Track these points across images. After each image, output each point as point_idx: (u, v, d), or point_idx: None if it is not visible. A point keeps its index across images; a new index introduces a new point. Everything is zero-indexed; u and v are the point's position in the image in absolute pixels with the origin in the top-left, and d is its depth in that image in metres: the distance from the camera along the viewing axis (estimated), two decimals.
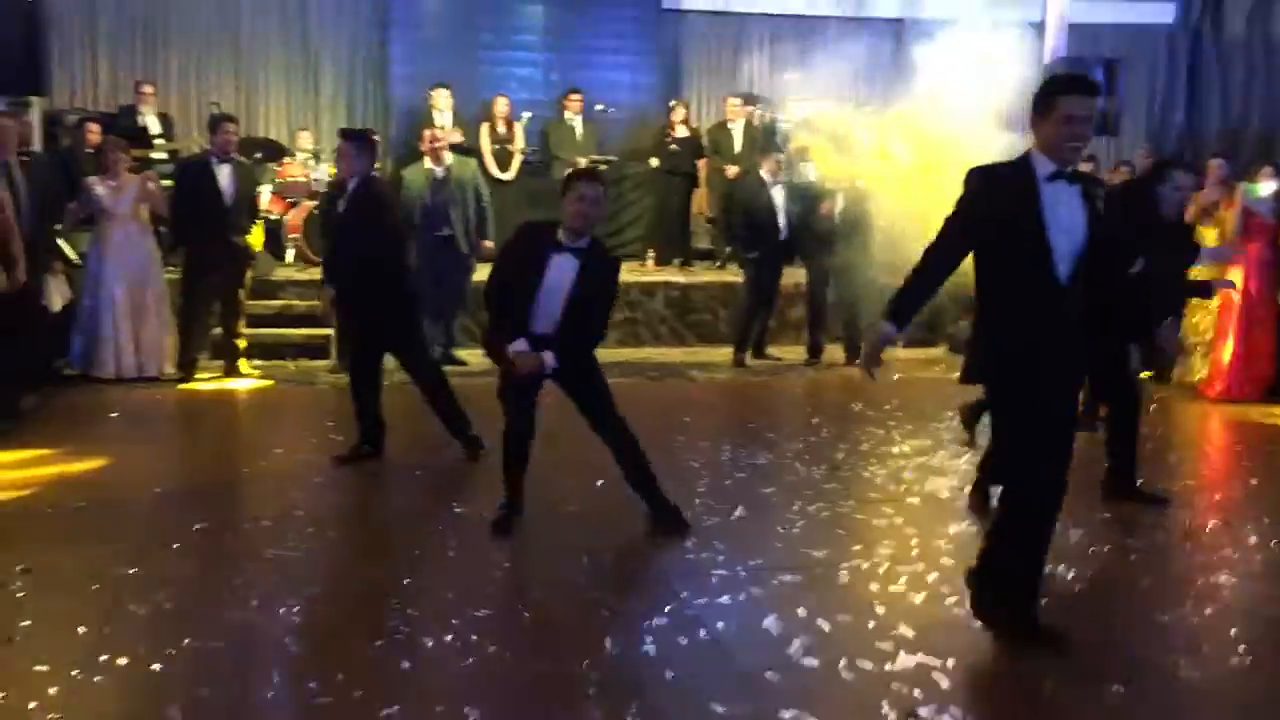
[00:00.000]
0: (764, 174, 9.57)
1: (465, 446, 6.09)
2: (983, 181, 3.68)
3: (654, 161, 11.14)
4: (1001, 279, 3.65)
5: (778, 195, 9.48)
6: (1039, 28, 11.02)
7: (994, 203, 3.61)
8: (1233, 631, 3.95)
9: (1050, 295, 3.58)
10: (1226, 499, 5.92)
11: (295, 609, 3.97)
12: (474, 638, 3.75)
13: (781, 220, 9.45)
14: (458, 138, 10.53)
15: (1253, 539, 4.98)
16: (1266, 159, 9.85)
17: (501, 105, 11.15)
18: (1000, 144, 10.50)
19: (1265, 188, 8.23)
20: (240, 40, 11.97)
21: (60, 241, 7.99)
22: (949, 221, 3.71)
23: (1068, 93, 3.55)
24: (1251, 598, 4.35)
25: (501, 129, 11.07)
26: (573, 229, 4.69)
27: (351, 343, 6.49)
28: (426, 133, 9.02)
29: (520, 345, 4.69)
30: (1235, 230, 8.14)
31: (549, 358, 4.70)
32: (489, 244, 8.89)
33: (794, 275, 9.84)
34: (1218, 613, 4.16)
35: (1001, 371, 3.68)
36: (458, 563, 4.52)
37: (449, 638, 3.73)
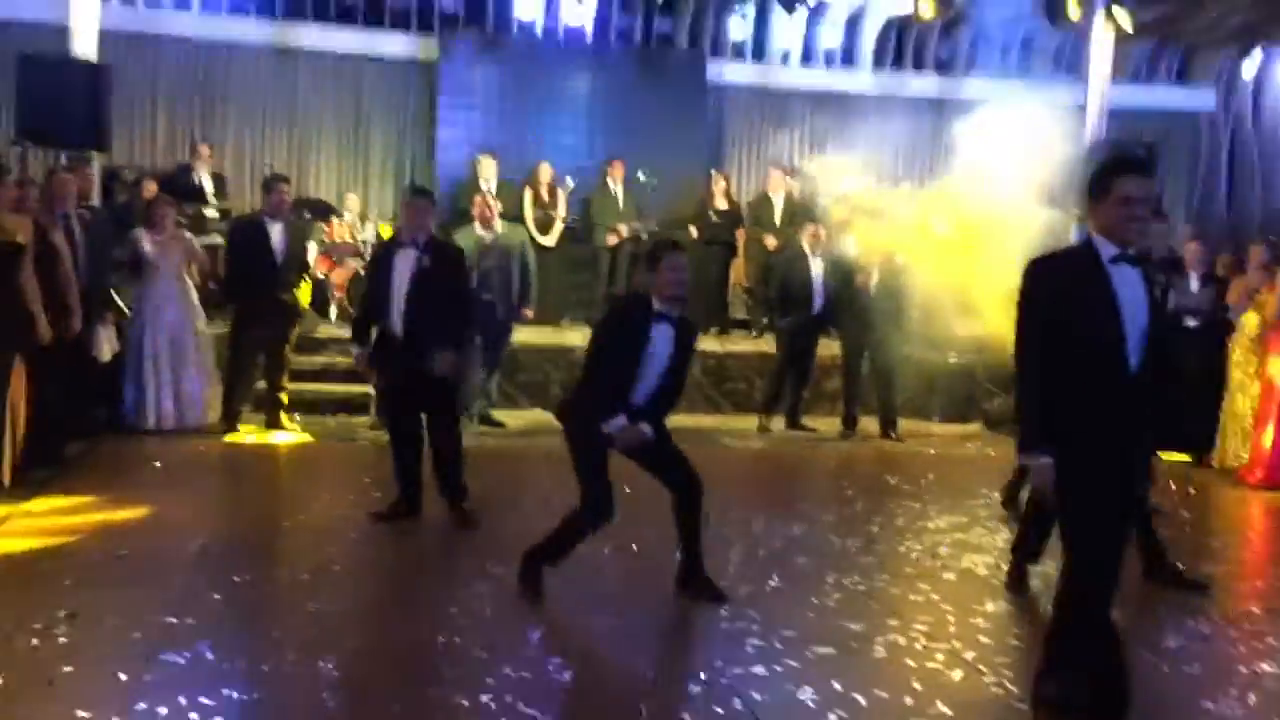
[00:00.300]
0: (804, 245, 9.66)
1: (458, 517, 6.00)
2: (1048, 268, 3.64)
3: (693, 231, 11.27)
4: (1070, 365, 3.54)
5: (816, 266, 9.56)
6: (1080, 110, 11.10)
7: (1064, 287, 3.56)
8: None
9: (1121, 381, 3.53)
10: (1268, 585, 5.84)
11: (332, 664, 3.99)
12: (508, 699, 3.75)
13: (818, 291, 9.52)
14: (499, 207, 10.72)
15: None
16: None
17: (545, 172, 11.35)
18: (1038, 221, 10.63)
19: None
20: (296, 103, 12.27)
21: (113, 293, 8.19)
22: (1024, 321, 3.63)
23: (1125, 173, 3.55)
24: None
25: (544, 195, 11.26)
26: (669, 298, 4.73)
27: (391, 401, 6.46)
28: (477, 198, 9.21)
29: (621, 421, 4.69)
30: (1277, 314, 8.11)
31: (647, 429, 4.73)
32: (529, 311, 9.01)
33: (830, 347, 9.88)
34: (1264, 702, 4.09)
35: (1076, 461, 3.55)
36: (492, 623, 4.53)
37: (485, 697, 3.74)
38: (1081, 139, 10.73)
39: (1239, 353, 8.53)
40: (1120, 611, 4.80)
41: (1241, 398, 8.51)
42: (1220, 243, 10.66)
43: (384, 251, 6.22)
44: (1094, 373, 3.54)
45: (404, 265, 5.88)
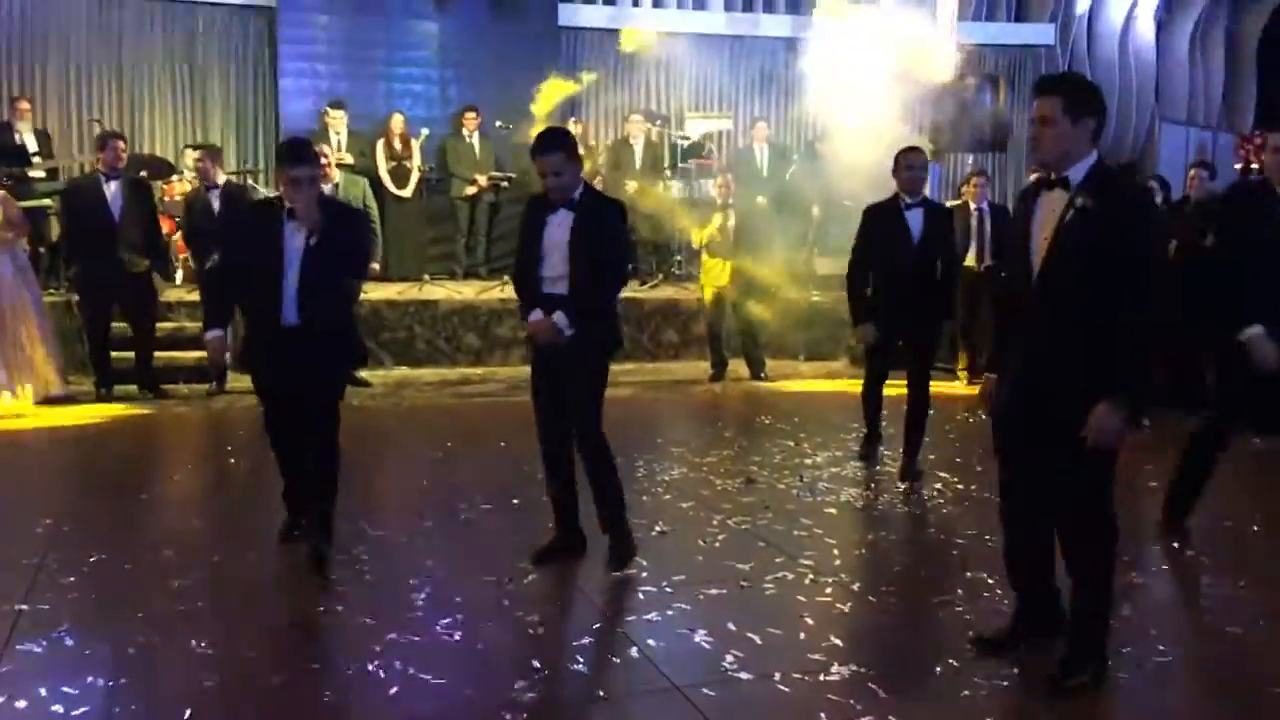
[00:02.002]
0: (714, 193, 9.73)
1: (307, 534, 4.70)
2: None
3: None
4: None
5: (731, 217, 9.48)
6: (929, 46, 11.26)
7: None
8: None
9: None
10: None
11: (205, 643, 3.77)
12: (398, 664, 3.62)
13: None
14: (349, 160, 10.33)
15: None
16: (1136, 171, 10.25)
17: (398, 122, 10.98)
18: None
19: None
20: (123, 55, 11.52)
21: None
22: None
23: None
24: None
25: (398, 146, 10.91)
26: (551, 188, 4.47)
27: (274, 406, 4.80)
28: (325, 148, 8.81)
29: (536, 314, 4.51)
30: None
31: (561, 321, 4.43)
32: (374, 265, 8.72)
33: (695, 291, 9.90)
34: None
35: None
36: (376, 588, 4.36)
37: (373, 665, 3.59)
38: (931, 71, 10.90)
39: None
40: None
41: None
42: None
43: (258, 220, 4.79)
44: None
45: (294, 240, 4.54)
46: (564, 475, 4.68)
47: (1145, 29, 13.71)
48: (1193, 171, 8.52)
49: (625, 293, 10.52)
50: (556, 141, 4.42)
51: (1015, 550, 3.79)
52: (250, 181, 10.51)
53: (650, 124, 11.48)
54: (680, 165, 11.43)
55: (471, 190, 11.15)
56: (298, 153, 4.48)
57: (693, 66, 12.34)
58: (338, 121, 10.61)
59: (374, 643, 3.78)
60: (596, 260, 4.43)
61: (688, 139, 11.66)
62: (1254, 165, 12.09)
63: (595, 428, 4.53)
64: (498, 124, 11.02)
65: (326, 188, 8.38)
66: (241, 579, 4.49)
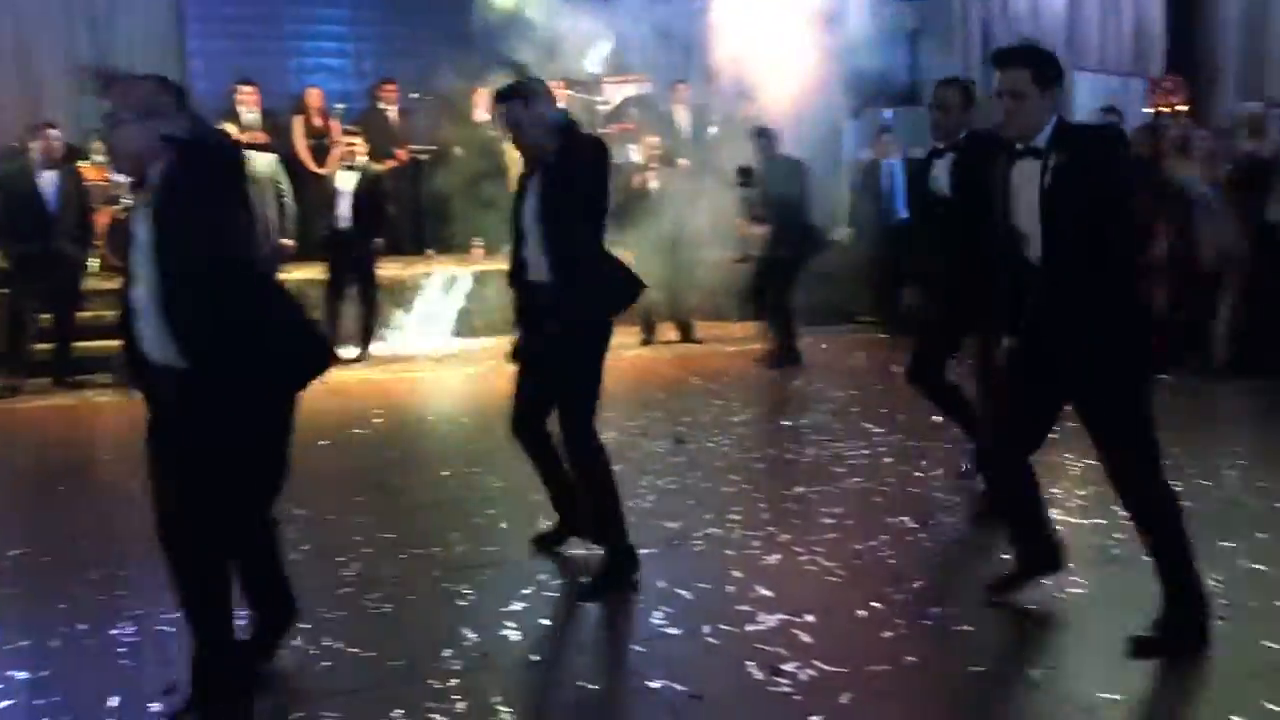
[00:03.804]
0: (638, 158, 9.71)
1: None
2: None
3: (457, 150, 11.01)
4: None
5: (654, 180, 9.48)
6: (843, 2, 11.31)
7: None
8: None
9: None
10: None
11: (131, 630, 3.74)
12: (326, 640, 3.61)
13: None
14: (261, 138, 10.14)
15: None
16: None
17: (315, 97, 10.78)
18: (814, 119, 10.85)
19: None
20: (21, 32, 11.13)
21: None
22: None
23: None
24: None
25: (317, 122, 10.72)
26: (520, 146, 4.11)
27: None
28: (231, 128, 8.67)
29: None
30: None
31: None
32: (288, 242, 8.62)
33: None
34: None
35: None
36: (302, 565, 4.32)
37: (298, 641, 3.57)
38: (844, 25, 10.94)
39: None
40: None
41: None
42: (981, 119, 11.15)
43: None
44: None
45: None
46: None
47: None
48: (1105, 117, 8.67)
49: None
50: (511, 90, 4.02)
51: (1008, 501, 3.81)
52: None
53: (569, 90, 11.40)
54: (601, 130, 11.37)
55: (391, 164, 11.00)
56: None
57: (610, 29, 12.25)
58: (248, 98, 10.39)
59: (302, 620, 3.76)
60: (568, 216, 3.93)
61: (607, 104, 11.61)
62: (1164, 110, 12.32)
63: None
64: (413, 95, 10.87)
65: None
66: (162, 566, 4.43)
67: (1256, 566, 4.10)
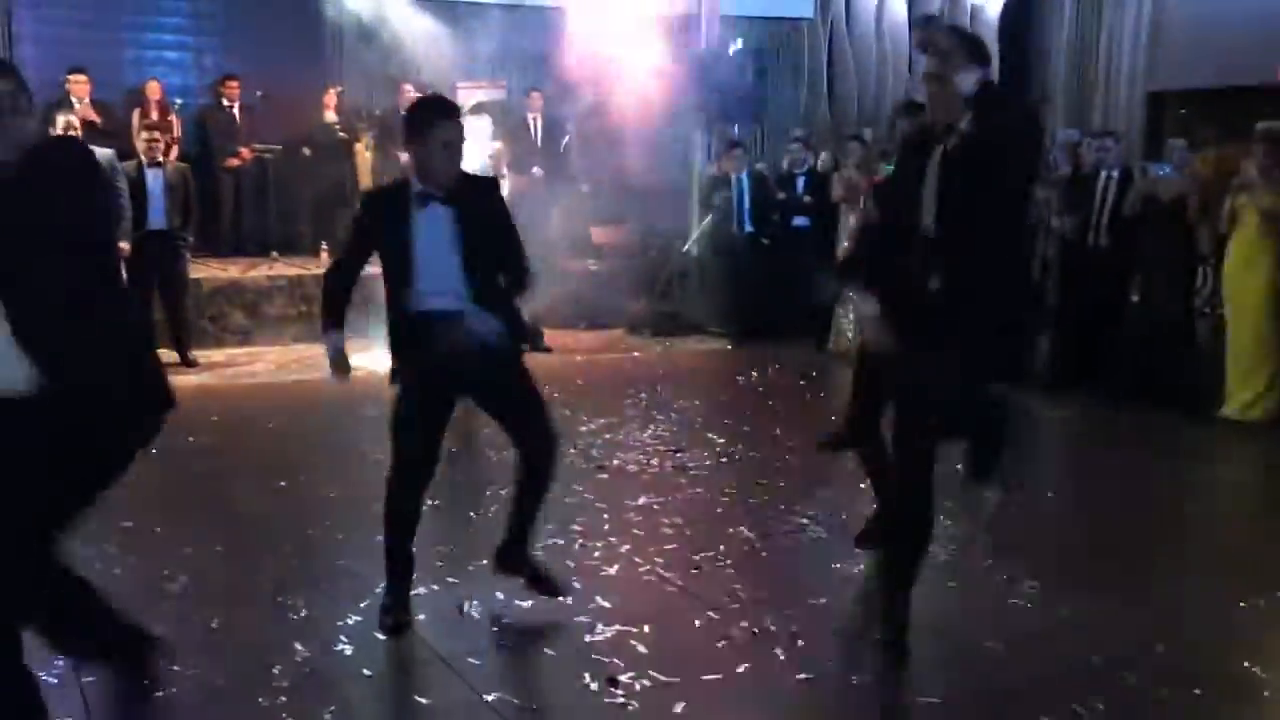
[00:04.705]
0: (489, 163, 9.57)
1: None
2: None
3: (305, 151, 10.80)
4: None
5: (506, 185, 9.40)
6: (692, 19, 11.51)
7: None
8: None
9: None
10: None
11: None
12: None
13: None
14: (93, 117, 9.71)
15: None
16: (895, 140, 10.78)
17: (154, 90, 10.37)
18: (665, 132, 11.00)
19: None
20: None
21: None
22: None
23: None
24: None
25: (154, 115, 10.31)
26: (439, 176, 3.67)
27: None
28: (61, 119, 8.27)
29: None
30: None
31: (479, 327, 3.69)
32: (123, 245, 8.26)
33: None
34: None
35: None
36: (127, 580, 4.17)
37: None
38: (696, 44, 11.13)
39: (846, 243, 9.27)
40: None
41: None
42: (823, 142, 11.49)
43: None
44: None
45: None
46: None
47: (898, 6, 14.36)
48: None
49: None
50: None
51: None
52: None
53: (420, 94, 11.28)
54: None
55: (235, 163, 10.69)
56: None
57: (462, 34, 12.16)
58: (79, 88, 9.92)
59: None
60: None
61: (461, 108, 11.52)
62: None
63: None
64: (258, 93, 10.59)
65: None
66: None
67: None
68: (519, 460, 3.92)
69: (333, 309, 3.87)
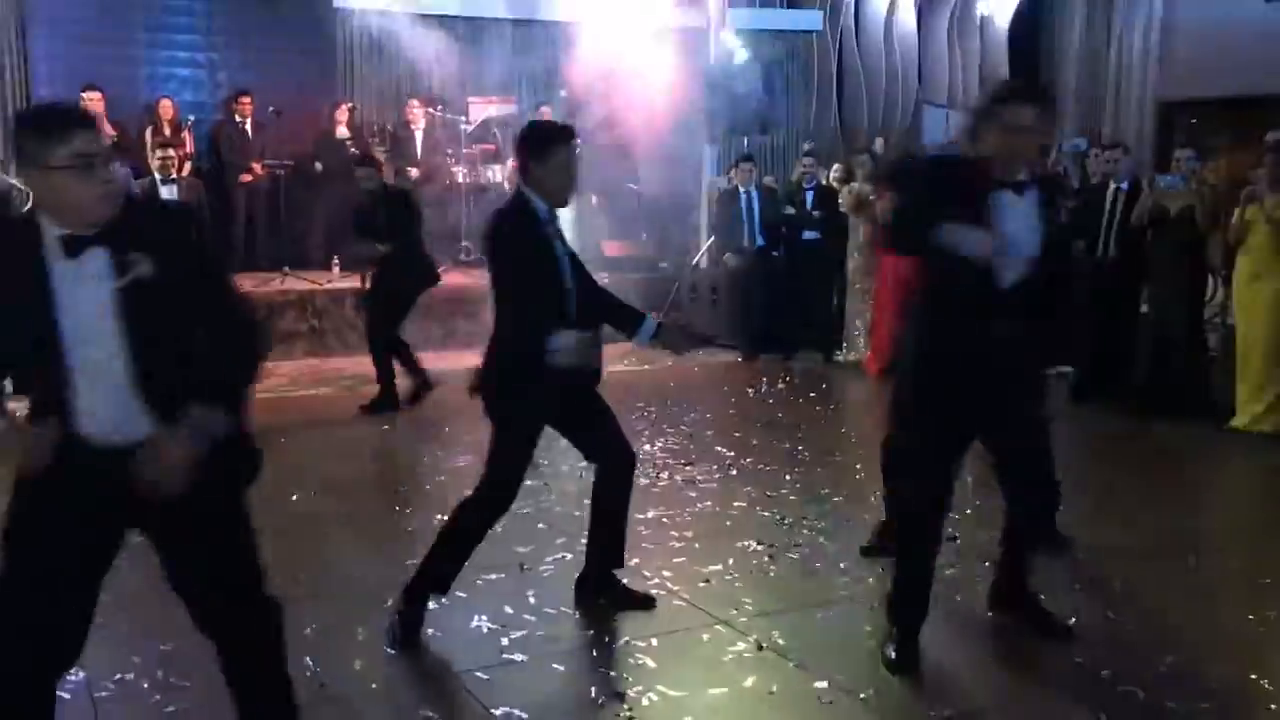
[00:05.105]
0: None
1: None
2: None
3: (317, 165, 10.88)
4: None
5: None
6: (700, 32, 11.58)
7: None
8: None
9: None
10: None
11: None
12: (159, 673, 3.52)
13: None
14: (108, 132, 9.79)
15: None
16: (906, 153, 10.80)
17: (167, 108, 10.48)
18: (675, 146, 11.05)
19: None
20: None
21: None
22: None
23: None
24: None
25: (167, 132, 10.41)
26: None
27: None
28: None
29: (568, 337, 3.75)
30: (883, 218, 8.86)
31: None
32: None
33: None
34: None
35: None
36: (138, 596, 4.19)
37: (129, 676, 3.47)
38: (705, 58, 11.19)
39: (856, 255, 9.30)
40: None
41: (859, 295, 9.32)
42: (834, 155, 11.50)
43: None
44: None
45: None
46: None
47: (907, 17, 14.41)
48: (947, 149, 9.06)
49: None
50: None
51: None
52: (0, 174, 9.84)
53: (430, 109, 11.36)
54: (464, 151, 11.36)
55: (248, 178, 10.77)
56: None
57: (473, 50, 12.24)
58: (93, 105, 10.02)
59: (134, 653, 3.65)
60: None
61: (470, 124, 11.59)
62: None
63: None
64: (271, 109, 10.68)
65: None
66: None
67: None
68: (600, 479, 4.02)
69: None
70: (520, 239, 3.77)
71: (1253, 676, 3.58)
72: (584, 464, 6.05)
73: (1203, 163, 7.84)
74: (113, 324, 2.39)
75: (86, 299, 2.39)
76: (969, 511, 4.97)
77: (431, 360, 9.40)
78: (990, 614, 3.99)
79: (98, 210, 2.38)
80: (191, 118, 10.70)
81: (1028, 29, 14.17)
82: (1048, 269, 3.54)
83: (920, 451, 3.64)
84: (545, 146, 3.75)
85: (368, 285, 8.24)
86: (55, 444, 2.44)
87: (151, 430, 2.43)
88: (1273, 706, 3.42)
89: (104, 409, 2.44)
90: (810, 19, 13.41)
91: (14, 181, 9.24)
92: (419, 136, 11.15)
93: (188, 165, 10.19)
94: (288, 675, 2.79)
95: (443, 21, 11.77)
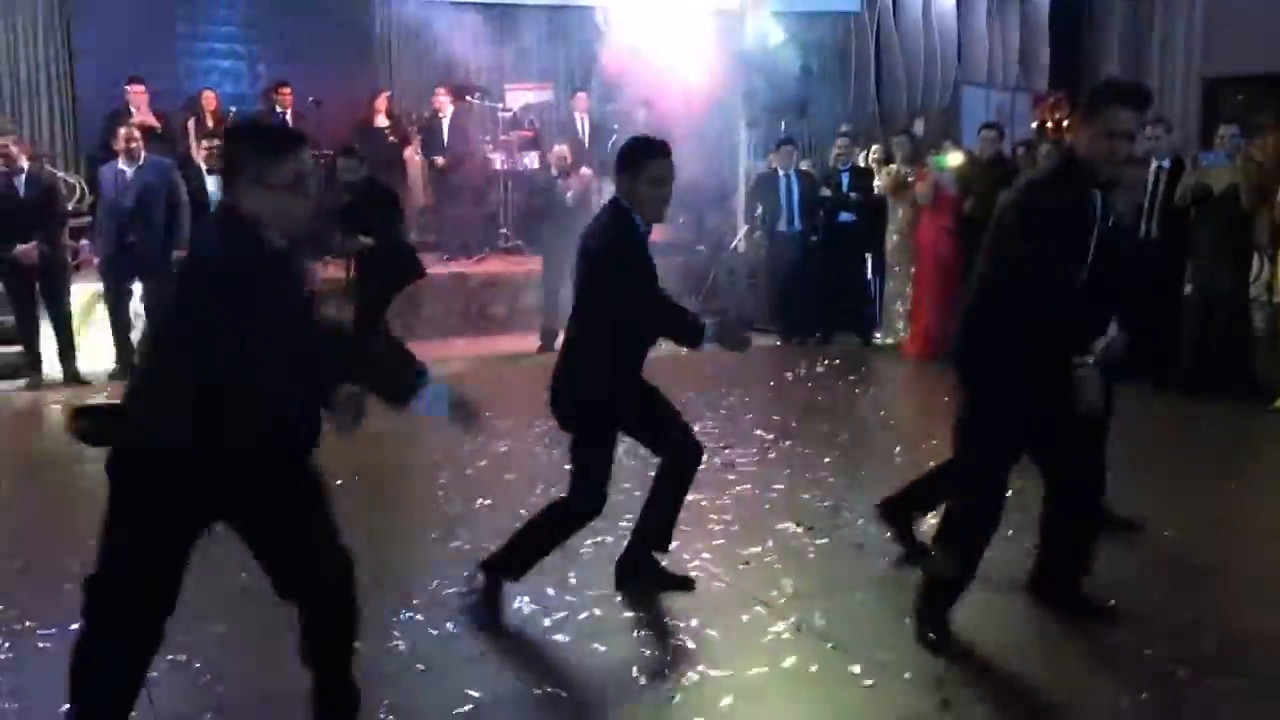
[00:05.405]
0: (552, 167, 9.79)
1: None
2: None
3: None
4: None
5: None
6: (737, 16, 11.52)
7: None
8: None
9: None
10: None
11: (4, 644, 3.67)
12: (212, 653, 3.60)
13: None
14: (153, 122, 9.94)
15: None
16: (945, 134, 10.71)
17: (210, 100, 10.61)
18: (712, 130, 11.01)
19: (953, 158, 8.93)
20: None
21: None
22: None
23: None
24: None
25: (210, 125, 10.54)
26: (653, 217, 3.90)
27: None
28: (122, 130, 8.48)
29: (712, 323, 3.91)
30: (928, 200, 8.80)
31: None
32: (181, 253, 8.43)
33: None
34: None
35: None
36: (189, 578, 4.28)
37: (183, 656, 3.55)
38: (741, 41, 11.13)
39: (895, 237, 9.25)
40: None
41: (898, 278, 9.27)
42: (871, 136, 11.42)
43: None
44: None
45: None
46: None
47: None
48: (982, 133, 8.99)
49: (452, 268, 10.52)
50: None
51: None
52: (48, 166, 10.00)
53: (460, 98, 11.38)
54: (502, 138, 11.41)
55: None
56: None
57: (510, 37, 12.28)
58: (138, 97, 10.17)
59: (183, 634, 3.72)
60: None
61: (509, 111, 11.63)
62: (1048, 124, 12.76)
63: None
64: (310, 99, 10.77)
65: (129, 169, 8.11)
66: (39, 573, 4.36)
67: None
68: (665, 465, 4.09)
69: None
70: (629, 253, 3.81)
71: None
72: (621, 447, 6.13)
73: (1248, 139, 7.70)
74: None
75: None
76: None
77: (464, 347, 9.52)
78: (1031, 596, 3.98)
79: (304, 223, 2.72)
80: (233, 109, 10.81)
81: (1069, 6, 13.97)
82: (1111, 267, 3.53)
83: (998, 449, 3.61)
84: (639, 161, 3.79)
85: (353, 277, 8.38)
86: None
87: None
88: None
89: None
90: (847, 0, 13.31)
91: (63, 175, 9.42)
92: (445, 125, 11.19)
93: None
94: (351, 653, 2.96)
95: (479, 9, 11.80)
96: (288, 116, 10.85)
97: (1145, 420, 7.04)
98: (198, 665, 3.55)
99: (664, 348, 4.13)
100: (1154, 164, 7.53)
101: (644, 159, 3.79)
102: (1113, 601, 3.92)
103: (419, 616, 3.91)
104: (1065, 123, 12.13)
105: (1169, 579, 4.28)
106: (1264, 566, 4.44)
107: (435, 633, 3.79)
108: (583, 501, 3.92)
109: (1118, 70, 13.53)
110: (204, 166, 8.77)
